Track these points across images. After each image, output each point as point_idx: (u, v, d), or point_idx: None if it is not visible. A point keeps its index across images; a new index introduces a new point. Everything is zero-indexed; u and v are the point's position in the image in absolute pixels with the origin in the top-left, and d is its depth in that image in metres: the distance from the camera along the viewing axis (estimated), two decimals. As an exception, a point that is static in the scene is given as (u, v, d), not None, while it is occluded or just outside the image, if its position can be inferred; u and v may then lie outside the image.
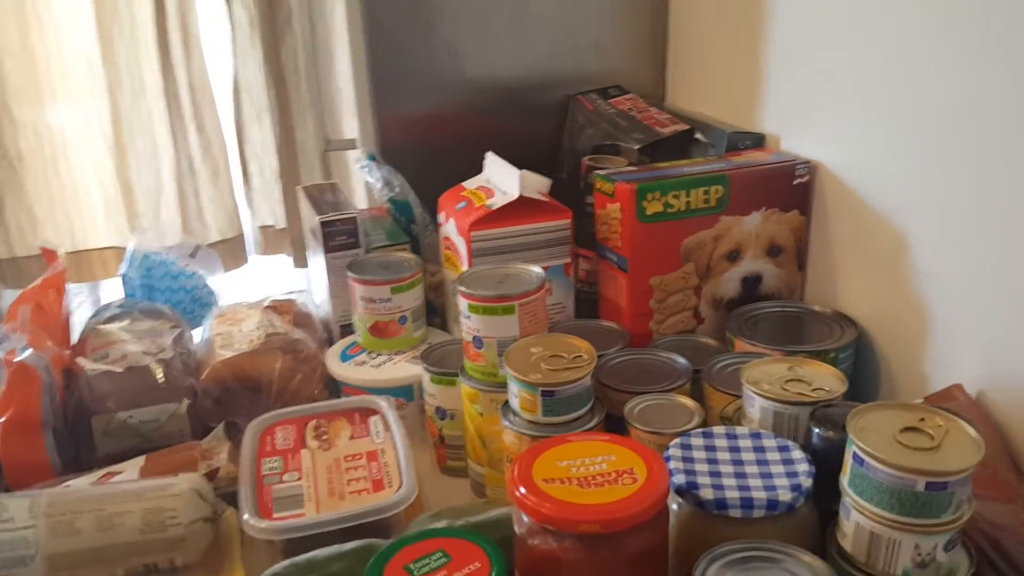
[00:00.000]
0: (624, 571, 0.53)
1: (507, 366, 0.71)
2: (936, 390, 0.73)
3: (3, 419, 0.78)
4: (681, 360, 0.80)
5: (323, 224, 0.98)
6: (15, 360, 0.78)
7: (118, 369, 0.88)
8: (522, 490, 0.53)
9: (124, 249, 1.38)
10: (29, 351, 0.79)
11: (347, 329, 1.02)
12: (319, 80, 1.25)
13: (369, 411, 0.84)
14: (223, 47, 1.37)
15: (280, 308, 1.03)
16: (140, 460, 0.77)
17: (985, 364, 0.72)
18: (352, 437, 0.80)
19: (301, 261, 1.48)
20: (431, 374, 0.85)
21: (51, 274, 0.96)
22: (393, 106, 1.16)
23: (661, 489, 0.53)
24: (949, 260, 0.75)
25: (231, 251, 1.48)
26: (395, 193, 1.03)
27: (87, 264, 1.47)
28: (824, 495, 0.59)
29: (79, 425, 0.85)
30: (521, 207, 0.90)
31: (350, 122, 1.30)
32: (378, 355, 0.96)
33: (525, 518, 0.53)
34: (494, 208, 0.90)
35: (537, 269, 0.80)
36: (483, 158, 1.02)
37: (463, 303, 0.77)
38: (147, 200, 1.38)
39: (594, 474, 0.54)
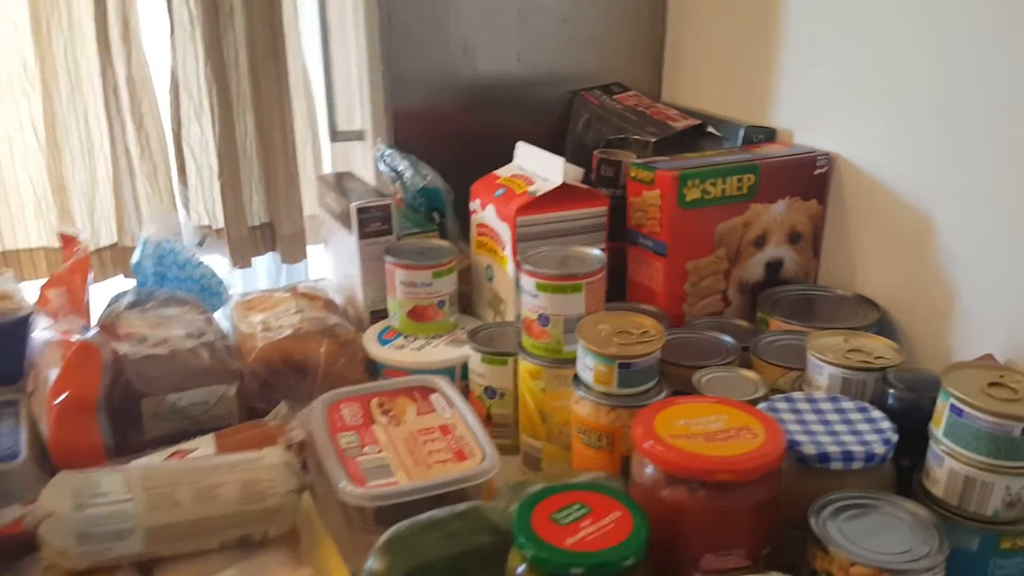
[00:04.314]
0: (749, 518, 0.57)
1: (582, 340, 0.75)
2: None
3: (60, 400, 0.77)
4: (727, 338, 0.85)
5: (359, 211, 0.99)
6: (78, 340, 0.77)
7: (163, 352, 0.87)
8: (656, 445, 0.56)
9: (54, 249, 1.33)
10: (92, 331, 0.78)
11: (377, 315, 1.04)
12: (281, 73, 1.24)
13: (428, 390, 0.86)
14: (163, 43, 1.36)
15: (309, 295, 1.04)
16: (209, 438, 0.77)
17: (1011, 336, 0.79)
18: (419, 413, 0.82)
19: (239, 261, 1.46)
20: (482, 354, 0.88)
21: (78, 259, 0.94)
22: (404, 99, 1.18)
23: (783, 442, 0.57)
24: (970, 239, 0.82)
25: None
26: (427, 182, 1.05)
27: (15, 265, 1.43)
28: (897, 451, 0.65)
29: (127, 408, 0.83)
30: (561, 194, 0.94)
31: (348, 114, 1.30)
32: (415, 339, 0.98)
33: (653, 470, 0.57)
34: (538, 194, 0.93)
35: (596, 251, 0.83)
36: (487, 151, 1.04)
37: (530, 282, 0.80)
38: (81, 198, 1.34)
39: (715, 431, 0.58)
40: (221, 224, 1.43)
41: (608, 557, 0.51)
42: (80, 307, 0.93)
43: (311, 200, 1.37)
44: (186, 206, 1.41)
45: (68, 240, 1.00)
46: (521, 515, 0.55)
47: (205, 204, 1.42)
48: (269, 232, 1.35)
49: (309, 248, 1.38)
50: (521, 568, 0.54)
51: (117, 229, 1.36)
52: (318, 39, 1.23)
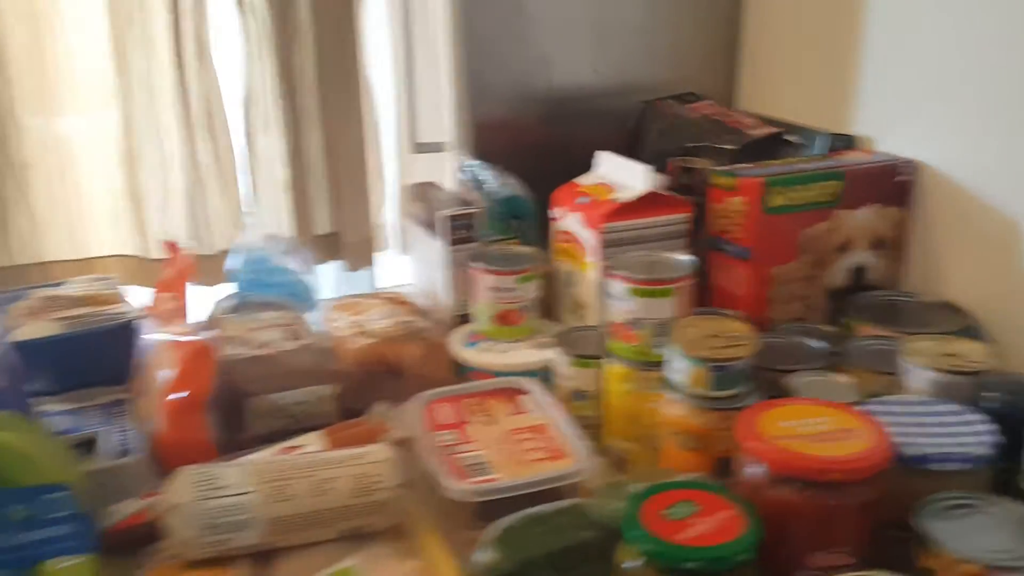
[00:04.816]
0: (856, 518, 0.58)
1: (675, 344, 0.76)
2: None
3: (175, 398, 0.81)
4: (816, 342, 0.86)
5: (449, 219, 1.02)
6: (194, 340, 0.81)
7: (267, 354, 0.91)
8: (763, 445, 0.58)
9: (128, 257, 1.38)
10: (207, 333, 0.82)
11: (461, 319, 1.06)
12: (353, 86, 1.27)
13: (517, 391, 0.88)
14: (235, 57, 1.40)
15: (397, 299, 1.07)
16: (316, 435, 0.81)
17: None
18: (511, 414, 0.84)
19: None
20: (571, 357, 0.90)
21: (184, 265, 0.99)
22: (483, 111, 1.21)
23: (889, 442, 0.58)
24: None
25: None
26: (512, 191, 1.08)
27: (89, 272, 1.48)
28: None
29: (233, 407, 0.87)
30: (644, 202, 0.96)
31: (428, 126, 1.34)
32: (500, 342, 1.00)
33: (759, 469, 0.58)
34: (623, 202, 0.95)
35: (685, 257, 0.85)
36: (560, 161, 1.08)
37: (620, 287, 0.82)
38: (156, 209, 1.38)
39: (820, 432, 0.60)
40: (288, 234, 1.48)
41: (723, 552, 0.53)
42: (185, 311, 0.97)
43: (376, 209, 1.41)
44: (255, 216, 1.46)
45: (171, 247, 1.05)
46: (631, 511, 0.57)
47: (273, 214, 1.47)
48: (334, 241, 1.39)
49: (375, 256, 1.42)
50: (632, 562, 0.56)
51: (189, 238, 1.41)
52: (400, 53, 1.27)
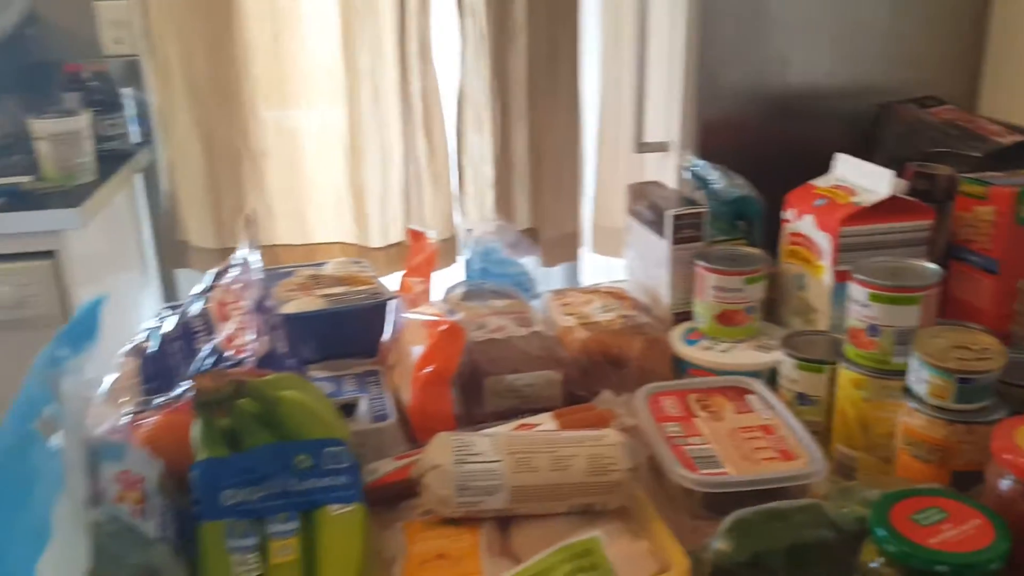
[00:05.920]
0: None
1: (920, 353, 0.75)
2: None
3: (426, 372, 0.89)
4: (1066, 361, 0.82)
5: (675, 218, 1.05)
6: (447, 321, 0.89)
7: (502, 337, 0.97)
8: (1019, 458, 0.57)
9: (350, 244, 1.48)
10: (458, 315, 0.89)
11: (680, 316, 1.09)
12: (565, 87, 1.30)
13: (743, 390, 0.90)
14: (452, 58, 1.47)
15: (617, 294, 1.11)
16: (549, 415, 0.86)
17: None
18: (737, 412, 0.86)
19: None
20: (798, 361, 0.90)
21: (429, 252, 1.08)
22: (711, 110, 1.22)
23: None
24: None
25: (447, 251, 1.57)
26: (741, 192, 1.09)
27: (312, 257, 1.61)
28: None
29: (473, 384, 0.95)
30: (883, 206, 0.94)
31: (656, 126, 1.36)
32: (720, 341, 1.02)
33: (1012, 482, 0.58)
34: (864, 205, 0.94)
35: (932, 265, 0.83)
36: (785, 161, 1.07)
37: (862, 292, 0.82)
38: (376, 200, 1.47)
39: (1083, 448, 0.58)
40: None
41: (975, 559, 0.53)
42: (429, 294, 1.06)
43: (576, 208, 1.45)
44: (462, 211, 1.54)
45: (416, 235, 1.14)
46: (879, 512, 0.57)
47: (479, 209, 1.54)
48: (532, 236, 1.44)
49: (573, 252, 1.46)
50: (876, 562, 0.57)
51: (404, 230, 1.49)
52: (632, 55, 1.31)
